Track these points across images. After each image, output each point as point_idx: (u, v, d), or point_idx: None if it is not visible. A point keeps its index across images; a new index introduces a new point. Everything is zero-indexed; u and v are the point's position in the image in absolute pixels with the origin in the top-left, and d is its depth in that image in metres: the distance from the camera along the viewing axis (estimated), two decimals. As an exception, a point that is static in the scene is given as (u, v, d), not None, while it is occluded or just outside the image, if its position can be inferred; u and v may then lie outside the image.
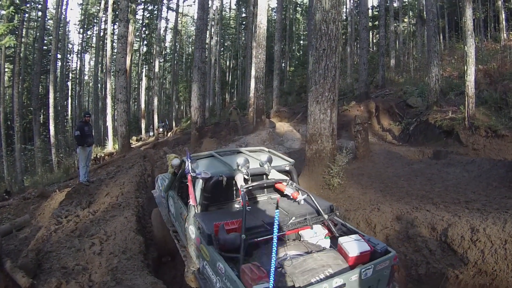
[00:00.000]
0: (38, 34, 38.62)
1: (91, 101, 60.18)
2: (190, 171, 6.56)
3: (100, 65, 50.14)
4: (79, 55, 55.40)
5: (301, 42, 55.13)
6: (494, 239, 5.81)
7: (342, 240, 5.26)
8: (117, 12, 26.89)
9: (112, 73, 31.12)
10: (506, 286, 5.45)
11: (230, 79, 57.93)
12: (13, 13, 24.85)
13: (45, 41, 43.29)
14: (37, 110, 33.62)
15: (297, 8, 56.56)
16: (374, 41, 46.46)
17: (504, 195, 7.61)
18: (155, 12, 47.57)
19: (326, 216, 5.96)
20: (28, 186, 19.26)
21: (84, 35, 54.83)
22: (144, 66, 49.47)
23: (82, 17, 55.48)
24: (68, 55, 51.90)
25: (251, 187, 6.20)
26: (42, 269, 7.19)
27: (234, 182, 6.55)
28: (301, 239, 5.82)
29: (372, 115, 20.27)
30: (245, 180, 6.41)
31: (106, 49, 36.94)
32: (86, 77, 62.80)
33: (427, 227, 6.83)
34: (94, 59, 53.42)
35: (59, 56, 40.42)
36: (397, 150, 12.52)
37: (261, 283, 4.26)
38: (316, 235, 5.74)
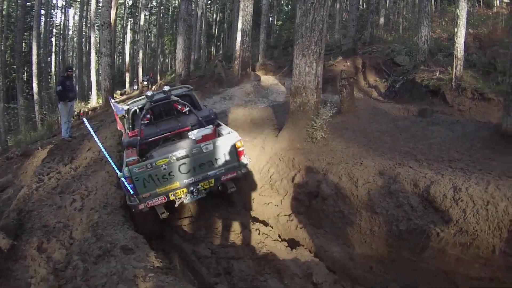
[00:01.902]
0: None
1: (75, 56, 59.25)
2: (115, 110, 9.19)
3: (84, 19, 48.92)
4: (63, 10, 54.08)
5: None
6: (476, 199, 5.75)
7: (195, 132, 8.05)
8: (101, -37, 26.03)
9: (96, 27, 30.53)
10: (486, 247, 5.45)
11: (216, 33, 56.78)
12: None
13: None
14: (20, 68, 33.00)
15: (289, -40, 55.31)
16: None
17: (487, 156, 7.52)
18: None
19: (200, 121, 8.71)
20: (11, 146, 19.16)
21: (69, -12, 53.53)
22: (130, 19, 48.28)
23: (66, -30, 54.10)
24: (52, 11, 50.71)
25: (153, 105, 8.71)
26: (24, 229, 7.17)
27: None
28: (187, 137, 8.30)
29: (358, 71, 19.96)
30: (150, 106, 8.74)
31: (91, 3, 36.37)
32: (70, 32, 61.55)
33: (409, 183, 6.77)
34: (78, 13, 52.39)
35: (42, 12, 39.43)
36: (382, 107, 12.42)
37: (131, 158, 7.33)
38: (195, 134, 8.03)
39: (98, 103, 25.89)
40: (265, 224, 8.65)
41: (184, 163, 7.31)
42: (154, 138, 8.49)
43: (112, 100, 9.44)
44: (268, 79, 21.53)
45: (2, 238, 6.33)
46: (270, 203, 8.96)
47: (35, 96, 26.94)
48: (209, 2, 51.14)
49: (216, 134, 8.16)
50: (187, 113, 8.94)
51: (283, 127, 10.64)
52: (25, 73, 39.34)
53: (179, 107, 8.92)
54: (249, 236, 8.16)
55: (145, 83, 33.76)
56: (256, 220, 8.85)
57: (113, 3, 22.28)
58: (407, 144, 8.92)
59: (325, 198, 7.76)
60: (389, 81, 18.22)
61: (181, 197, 7.53)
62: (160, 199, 7.30)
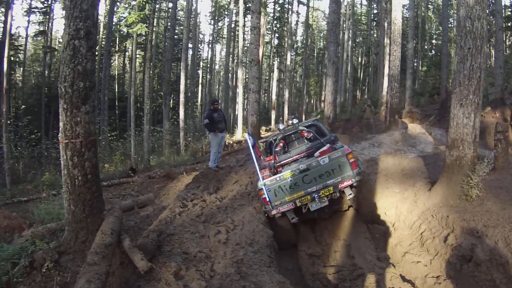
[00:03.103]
0: (169, 23, 40.13)
1: (221, 89, 61.45)
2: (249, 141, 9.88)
3: (231, 55, 50.88)
4: (210, 45, 56.83)
5: (433, 41, 52.90)
6: None
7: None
8: (248, 5, 27.28)
9: (243, 64, 31.20)
10: None
11: (361, 76, 56.63)
12: (144, 3, 25.50)
13: (176, 31, 44.91)
14: (167, 95, 34.33)
15: (429, 6, 54.25)
16: (508, 43, 42.89)
17: None
18: (286, 5, 47.35)
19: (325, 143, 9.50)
20: (153, 166, 19.55)
21: (215, 26, 56.16)
22: (276, 58, 49.02)
23: (213, 8, 57.15)
24: (199, 45, 53.30)
25: (285, 135, 10.24)
26: (162, 251, 6.91)
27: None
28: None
29: (508, 123, 18.34)
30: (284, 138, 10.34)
31: (238, 40, 37.13)
32: (217, 67, 64.22)
33: None
34: (225, 49, 54.06)
35: (190, 45, 41.16)
36: (540, 164, 11.32)
37: (265, 174, 8.94)
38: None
39: (243, 136, 25.69)
40: (411, 283, 7.81)
41: (306, 175, 8.59)
42: (285, 161, 9.88)
43: (247, 135, 10.31)
44: (415, 128, 20.84)
45: (140, 259, 6.06)
46: (419, 262, 8.20)
47: (181, 123, 27.80)
48: (354, 45, 50.69)
49: (332, 149, 9.03)
50: (311, 138, 10.14)
51: (437, 182, 9.95)
52: (172, 101, 41.36)
53: (305, 134, 10.20)
54: None
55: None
56: (404, 279, 8.01)
57: (260, 41, 22.71)
58: None
59: (478, 264, 7.08)
60: (543, 135, 16.24)
61: (306, 204, 8.69)
62: (289, 205, 8.58)
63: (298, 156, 9.92)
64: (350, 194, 8.92)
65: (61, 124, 6.86)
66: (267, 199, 8.55)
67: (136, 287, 5.91)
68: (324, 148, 9.07)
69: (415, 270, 8.07)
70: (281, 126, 10.42)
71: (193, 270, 6.19)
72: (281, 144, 10.32)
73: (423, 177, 11.45)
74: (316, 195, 8.60)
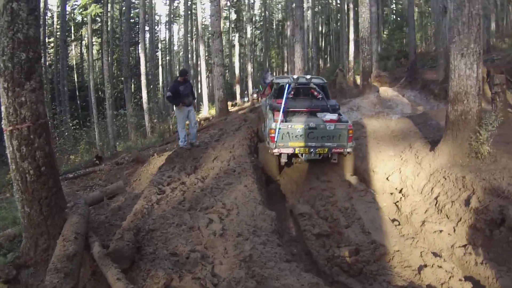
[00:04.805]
0: (124, 7, 39.04)
1: (178, 71, 59.46)
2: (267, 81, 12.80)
3: (189, 34, 49.47)
4: (167, 26, 55.34)
5: (393, 6, 51.92)
6: None
7: (323, 114, 10.32)
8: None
9: (207, 38, 29.98)
10: None
11: (323, 45, 56.28)
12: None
13: (132, 14, 43.81)
14: (128, 79, 33.00)
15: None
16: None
17: None
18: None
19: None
20: (120, 152, 18.31)
21: (171, 5, 54.52)
22: (235, 33, 48.20)
23: (168, -13, 55.22)
24: (156, 27, 52.01)
25: (297, 85, 11.13)
26: (143, 254, 5.30)
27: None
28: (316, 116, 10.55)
29: (484, 80, 17.94)
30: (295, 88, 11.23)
31: (196, 17, 36.29)
32: (175, 47, 63.08)
33: None
34: (183, 28, 52.77)
35: (147, 28, 39.96)
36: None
37: (279, 118, 9.68)
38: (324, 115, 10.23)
39: (210, 113, 25.57)
40: (435, 255, 6.74)
41: (312, 132, 9.61)
42: (294, 109, 10.75)
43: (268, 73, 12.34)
44: (386, 91, 21.05)
45: (115, 278, 4.34)
46: (442, 231, 7.34)
47: (145, 105, 26.73)
48: (314, 14, 49.92)
49: (339, 119, 10.09)
50: (319, 99, 11.14)
51: (441, 140, 9.37)
52: (133, 85, 40.06)
53: (315, 93, 11.23)
54: (429, 274, 6.18)
55: (255, 95, 33.57)
56: (436, 254, 6.93)
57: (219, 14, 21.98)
58: None
59: (512, 227, 6.34)
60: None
61: (302, 154, 9.89)
62: (288, 150, 9.67)
63: (304, 109, 10.94)
64: (335, 160, 10.22)
65: (2, 108, 5.36)
66: (275, 139, 9.51)
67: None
68: (333, 117, 10.10)
69: (439, 241, 7.28)
70: (295, 76, 11.74)
71: (188, 279, 4.51)
72: (292, 92, 11.10)
73: (418, 137, 11.05)
74: (313, 150, 9.74)
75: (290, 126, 9.63)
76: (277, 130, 9.50)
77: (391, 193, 9.17)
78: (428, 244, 7.25)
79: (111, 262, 4.61)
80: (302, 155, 10.11)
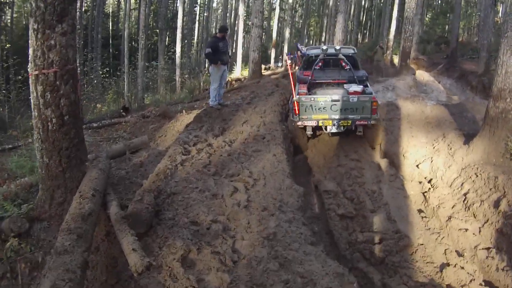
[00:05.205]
0: None
1: (219, 26, 58.83)
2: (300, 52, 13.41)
3: None
4: None
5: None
6: None
7: (349, 86, 10.24)
8: None
9: None
10: None
11: (363, 20, 55.17)
12: None
13: None
14: (163, 31, 32.66)
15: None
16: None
17: None
18: None
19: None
20: (148, 104, 18.04)
21: (213, -41, 53.65)
22: None
23: None
24: None
25: (325, 57, 11.22)
26: (161, 219, 5.02)
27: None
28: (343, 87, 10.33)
29: None
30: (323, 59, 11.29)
31: None
32: (214, 4, 62.13)
33: None
34: None
35: None
36: None
37: (302, 91, 10.04)
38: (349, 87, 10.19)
39: (242, 74, 24.83)
40: (459, 254, 6.65)
41: (335, 104, 9.48)
42: (320, 81, 10.79)
43: (299, 45, 12.95)
44: (422, 75, 20.93)
45: (130, 250, 3.96)
46: (467, 230, 7.02)
47: (177, 60, 26.05)
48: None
49: (363, 91, 10.02)
50: (347, 70, 10.94)
51: (477, 135, 8.85)
52: (167, 38, 39.47)
53: (343, 64, 11.05)
54: (451, 273, 6.01)
55: (289, 61, 32.93)
56: (459, 254, 6.77)
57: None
58: None
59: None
60: None
61: (326, 126, 9.71)
62: (312, 122, 9.60)
63: (331, 80, 10.96)
64: (360, 132, 10.12)
65: (30, 50, 5.05)
66: (297, 111, 9.50)
67: (128, 278, 4.16)
68: (357, 89, 10.05)
69: (463, 239, 6.96)
70: (324, 46, 11.51)
71: (207, 252, 4.20)
72: (320, 64, 11.19)
73: (453, 127, 10.56)
74: (336, 122, 9.67)
75: (313, 99, 9.59)
76: (299, 102, 9.51)
77: (420, 182, 8.77)
78: (452, 241, 7.03)
79: (127, 227, 4.32)
80: (325, 128, 9.93)
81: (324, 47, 11.35)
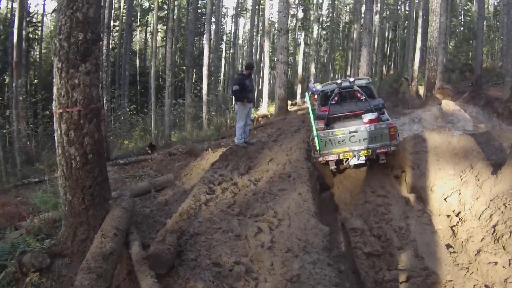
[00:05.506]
0: None
1: (244, 64, 59.46)
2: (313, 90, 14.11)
3: (255, 29, 49.42)
4: (233, 19, 55.56)
5: (461, 17, 50.21)
6: None
7: (365, 115, 10.25)
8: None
9: (272, 34, 29.98)
10: None
11: (388, 51, 55.03)
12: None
13: (199, 5, 43.53)
14: (190, 68, 33.11)
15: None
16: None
17: None
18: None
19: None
20: (175, 142, 18.43)
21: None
22: (300, 31, 47.58)
23: (236, -19, 55.38)
24: (222, 19, 52.20)
25: (341, 90, 11.30)
26: (184, 259, 4.97)
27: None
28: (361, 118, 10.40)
29: None
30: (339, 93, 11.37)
31: (264, 12, 36.13)
32: (240, 41, 62.99)
33: None
34: (249, 22, 52.81)
35: (213, 19, 40.19)
36: None
37: (320, 126, 10.22)
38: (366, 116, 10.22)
39: (269, 111, 25.14)
40: None
41: (353, 136, 9.62)
42: (338, 115, 10.81)
43: (311, 84, 12.57)
44: (448, 104, 20.01)
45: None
46: (496, 263, 6.70)
47: (204, 97, 26.32)
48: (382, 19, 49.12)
49: (378, 118, 10.18)
50: (363, 100, 11.02)
51: (505, 164, 8.44)
52: (194, 75, 40.26)
53: (359, 94, 11.15)
54: None
55: (316, 96, 33.46)
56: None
57: (287, 11, 21.51)
58: None
59: None
60: None
61: (348, 158, 9.79)
62: (333, 156, 9.69)
63: (349, 113, 10.95)
64: (383, 159, 10.09)
65: (54, 89, 5.21)
66: (317, 147, 9.67)
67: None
68: (373, 116, 10.17)
69: (492, 273, 6.65)
70: (338, 81, 11.70)
71: (230, 296, 4.11)
72: (336, 98, 11.30)
73: (480, 158, 10.09)
74: (357, 153, 9.75)
75: (331, 133, 9.81)
76: (318, 138, 9.68)
77: (448, 216, 8.50)
78: (481, 276, 6.77)
79: (147, 268, 4.30)
80: (347, 160, 10.06)
81: (339, 81, 11.60)
